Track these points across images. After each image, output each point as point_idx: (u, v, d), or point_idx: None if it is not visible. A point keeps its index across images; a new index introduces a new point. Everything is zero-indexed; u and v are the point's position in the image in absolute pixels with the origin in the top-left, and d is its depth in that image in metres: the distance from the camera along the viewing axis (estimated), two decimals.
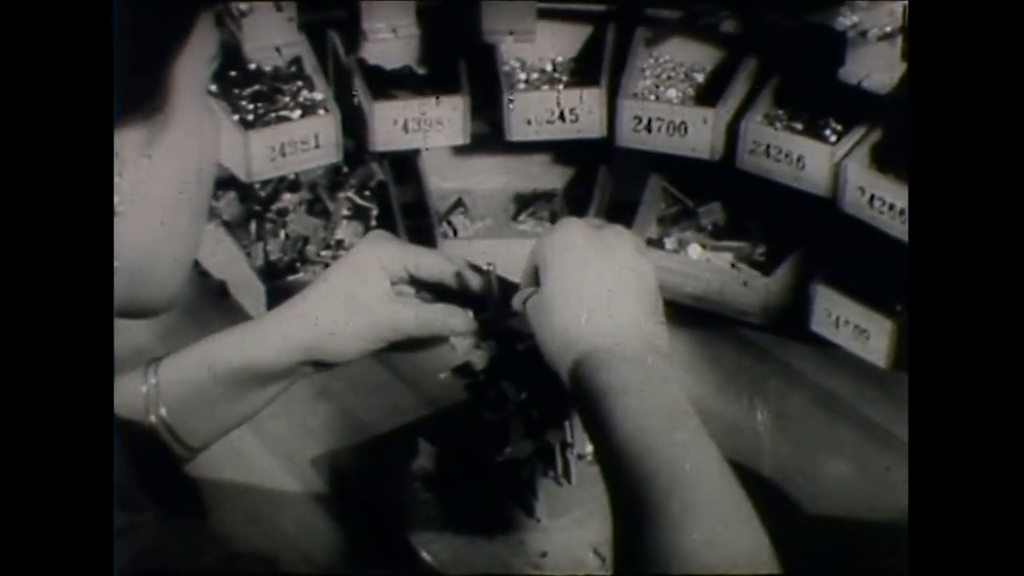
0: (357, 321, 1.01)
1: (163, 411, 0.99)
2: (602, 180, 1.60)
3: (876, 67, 1.33)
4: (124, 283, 0.73)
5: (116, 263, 0.71)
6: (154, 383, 0.99)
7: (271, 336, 1.01)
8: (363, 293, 1.01)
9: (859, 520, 1.15)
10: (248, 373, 1.00)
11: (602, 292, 0.93)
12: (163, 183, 0.73)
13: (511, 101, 1.49)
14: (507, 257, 1.41)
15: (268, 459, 1.23)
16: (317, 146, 1.46)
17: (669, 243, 1.50)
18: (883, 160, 1.34)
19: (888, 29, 1.34)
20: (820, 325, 1.38)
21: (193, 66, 0.73)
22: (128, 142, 0.70)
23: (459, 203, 1.60)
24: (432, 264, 1.04)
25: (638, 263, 0.96)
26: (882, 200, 1.30)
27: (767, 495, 1.18)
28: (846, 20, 1.37)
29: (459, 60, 1.57)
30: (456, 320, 1.03)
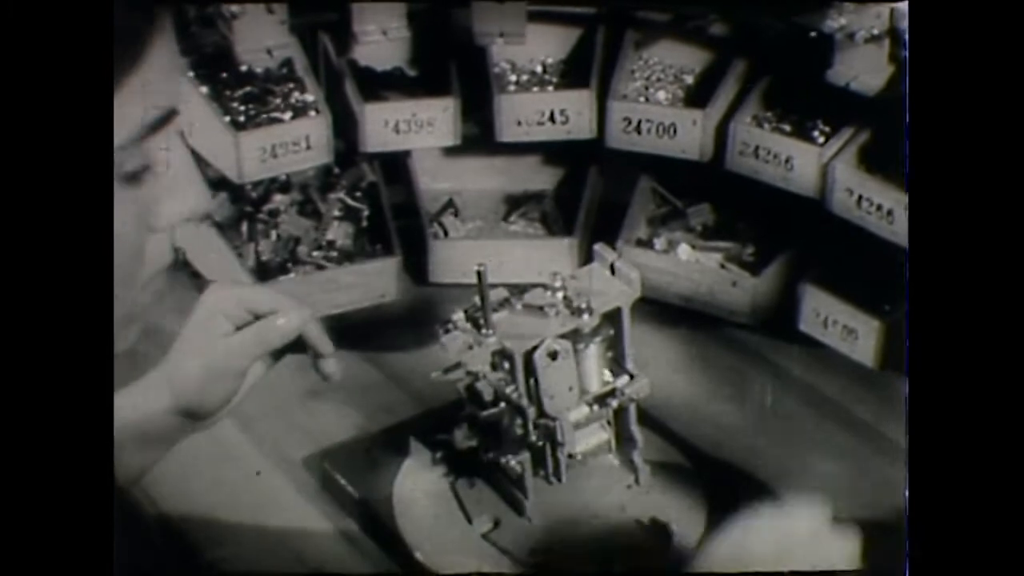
0: (204, 364, 1.02)
1: None
2: (592, 181, 1.60)
3: (863, 69, 1.34)
4: None
5: None
6: None
7: (145, 400, 1.02)
8: (207, 340, 1.03)
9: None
10: (134, 432, 1.01)
11: None
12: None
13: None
14: (497, 258, 1.43)
15: (260, 459, 1.23)
16: (308, 147, 1.46)
17: (659, 244, 1.50)
18: (871, 161, 1.34)
19: (875, 32, 1.35)
20: (808, 325, 1.38)
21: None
22: None
23: (450, 203, 1.60)
24: (262, 300, 1.05)
25: None
26: (870, 201, 1.30)
27: (757, 495, 1.18)
28: (834, 23, 1.37)
29: (449, 62, 1.57)
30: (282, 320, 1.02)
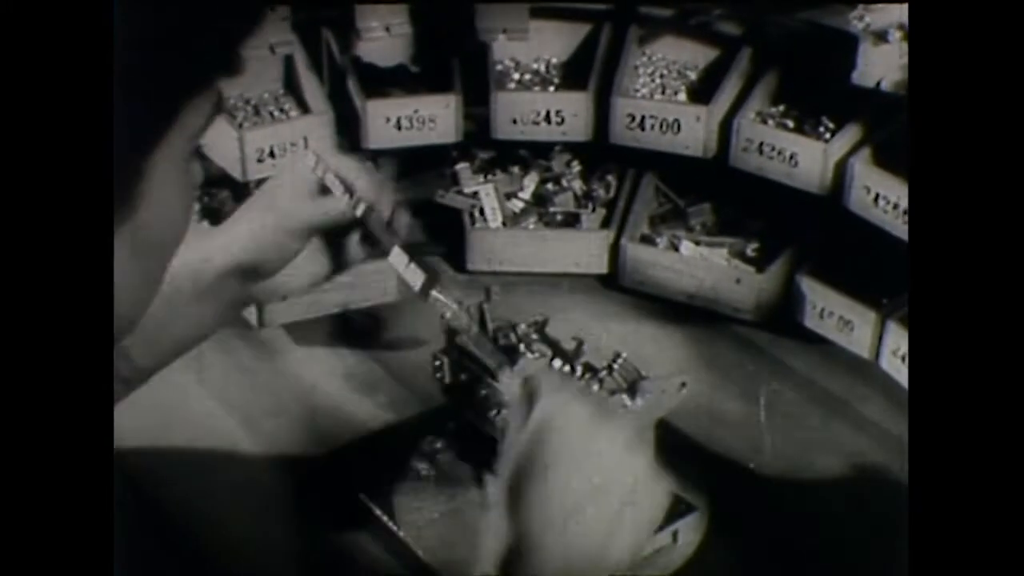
0: (270, 219, 1.01)
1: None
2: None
3: (888, 67, 1.34)
4: None
5: None
6: None
7: (211, 255, 1.00)
8: (278, 195, 1.02)
9: (855, 516, 1.15)
10: (196, 291, 1.00)
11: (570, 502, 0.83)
12: (121, 259, 0.70)
13: None
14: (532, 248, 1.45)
15: (262, 457, 1.23)
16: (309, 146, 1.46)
17: (661, 241, 1.49)
18: (885, 158, 1.33)
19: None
20: (806, 318, 1.38)
21: (177, 144, 0.70)
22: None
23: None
24: (346, 169, 1.02)
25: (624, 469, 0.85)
26: (886, 199, 1.29)
27: (763, 492, 1.19)
28: (858, 22, 1.37)
29: (452, 59, 1.56)
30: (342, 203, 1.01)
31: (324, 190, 1.01)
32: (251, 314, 1.37)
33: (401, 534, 1.11)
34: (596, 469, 0.83)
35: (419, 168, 1.61)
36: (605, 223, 1.53)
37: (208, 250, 1.01)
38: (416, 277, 1.00)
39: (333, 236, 1.04)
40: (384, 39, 1.60)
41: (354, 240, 1.04)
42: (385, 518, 1.13)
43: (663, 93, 1.54)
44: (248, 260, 1.01)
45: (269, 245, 1.01)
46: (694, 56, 1.57)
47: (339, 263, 1.06)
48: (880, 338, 1.30)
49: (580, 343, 1.12)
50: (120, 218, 0.68)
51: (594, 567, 0.82)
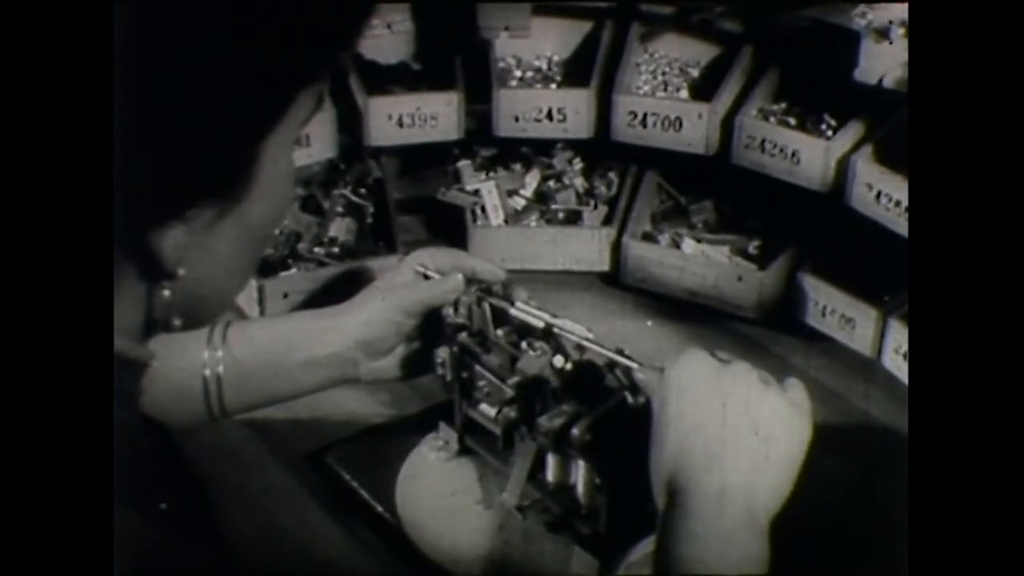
0: (391, 299, 1.13)
1: (220, 369, 1.08)
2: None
3: (890, 64, 1.33)
4: (181, 306, 0.75)
5: (168, 290, 0.73)
6: (220, 344, 1.09)
7: (338, 329, 1.12)
8: (396, 279, 1.15)
9: (856, 515, 1.15)
10: (314, 358, 1.11)
11: (715, 444, 0.91)
12: (227, 241, 0.73)
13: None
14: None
15: (265, 455, 1.23)
16: (309, 144, 1.47)
17: (663, 239, 1.49)
18: (888, 156, 1.33)
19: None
20: (808, 315, 1.38)
21: (285, 135, 0.72)
22: (204, 211, 0.70)
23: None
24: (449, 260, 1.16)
25: (759, 408, 0.93)
26: (888, 196, 1.29)
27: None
28: (860, 19, 1.37)
29: (454, 56, 1.57)
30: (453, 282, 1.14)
31: (427, 277, 1.16)
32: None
33: (403, 530, 1.12)
34: (733, 411, 0.91)
35: (421, 166, 1.61)
36: (607, 220, 1.52)
37: (332, 326, 1.13)
38: (586, 333, 1.08)
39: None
40: (386, 36, 1.60)
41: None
42: (387, 515, 1.13)
43: (665, 90, 1.54)
44: (370, 336, 1.12)
45: (388, 323, 1.12)
46: (696, 53, 1.57)
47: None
48: (882, 336, 1.30)
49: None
50: (228, 206, 0.71)
51: (745, 508, 0.89)
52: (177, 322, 0.75)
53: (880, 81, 1.34)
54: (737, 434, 0.91)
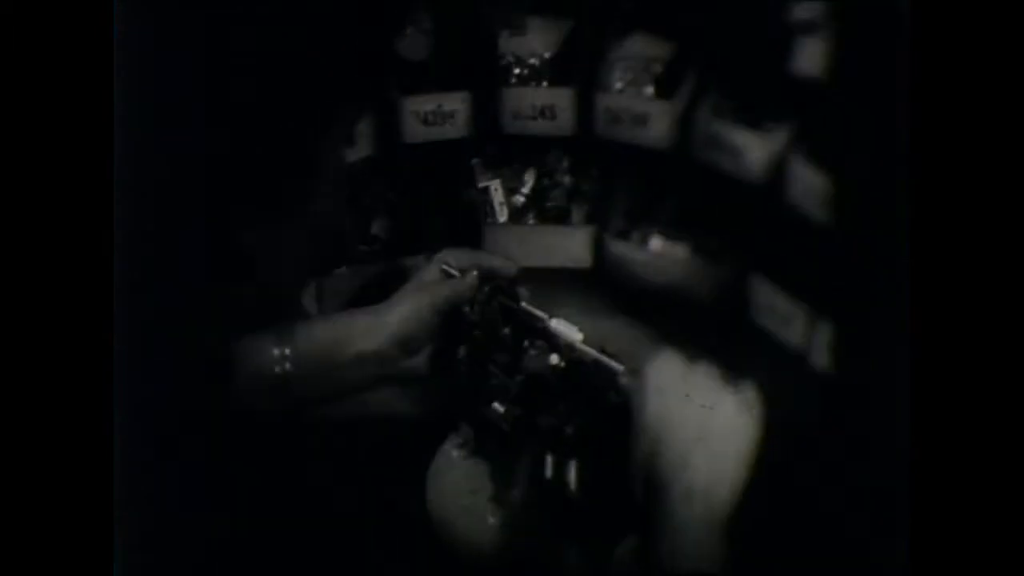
0: (424, 298, 1.19)
1: (288, 367, 1.13)
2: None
3: (820, 59, 1.34)
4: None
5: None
6: (289, 340, 1.14)
7: (378, 326, 1.18)
8: (426, 278, 1.21)
9: (856, 514, 1.11)
10: (362, 355, 1.17)
11: (686, 444, 0.99)
12: (299, 243, 0.82)
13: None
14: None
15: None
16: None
17: (634, 235, 1.57)
18: (821, 152, 1.36)
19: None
20: (758, 314, 1.43)
21: (339, 141, 0.79)
22: (263, 215, 0.79)
23: None
24: (467, 258, 1.21)
25: (722, 409, 1.01)
26: (820, 193, 1.31)
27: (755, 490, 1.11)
28: (797, 13, 1.38)
29: (464, 53, 1.62)
30: (470, 280, 1.20)
31: (450, 276, 1.21)
32: None
33: (429, 522, 1.24)
34: (700, 412, 1.00)
35: (440, 164, 1.66)
36: (590, 218, 1.62)
37: (374, 323, 1.18)
38: (575, 334, 1.16)
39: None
40: (409, 34, 1.60)
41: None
42: (412, 508, 1.25)
43: (635, 87, 1.59)
44: (406, 333, 1.17)
45: (420, 321, 1.18)
46: (660, 50, 1.60)
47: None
48: (812, 333, 1.34)
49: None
50: (297, 210, 0.77)
51: (708, 504, 0.97)
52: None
53: (816, 76, 1.34)
54: (703, 434, 1.00)
